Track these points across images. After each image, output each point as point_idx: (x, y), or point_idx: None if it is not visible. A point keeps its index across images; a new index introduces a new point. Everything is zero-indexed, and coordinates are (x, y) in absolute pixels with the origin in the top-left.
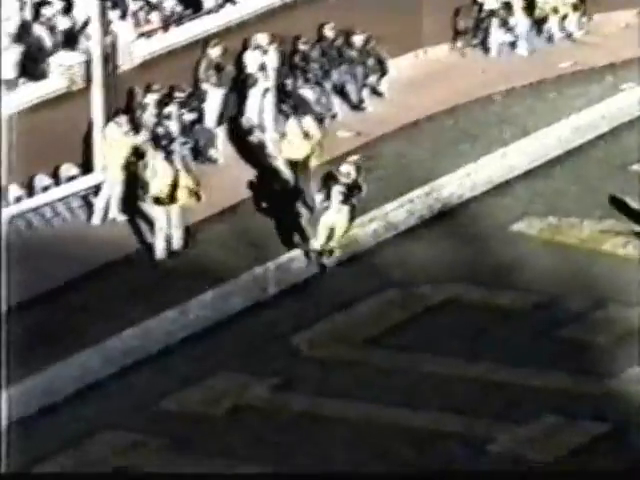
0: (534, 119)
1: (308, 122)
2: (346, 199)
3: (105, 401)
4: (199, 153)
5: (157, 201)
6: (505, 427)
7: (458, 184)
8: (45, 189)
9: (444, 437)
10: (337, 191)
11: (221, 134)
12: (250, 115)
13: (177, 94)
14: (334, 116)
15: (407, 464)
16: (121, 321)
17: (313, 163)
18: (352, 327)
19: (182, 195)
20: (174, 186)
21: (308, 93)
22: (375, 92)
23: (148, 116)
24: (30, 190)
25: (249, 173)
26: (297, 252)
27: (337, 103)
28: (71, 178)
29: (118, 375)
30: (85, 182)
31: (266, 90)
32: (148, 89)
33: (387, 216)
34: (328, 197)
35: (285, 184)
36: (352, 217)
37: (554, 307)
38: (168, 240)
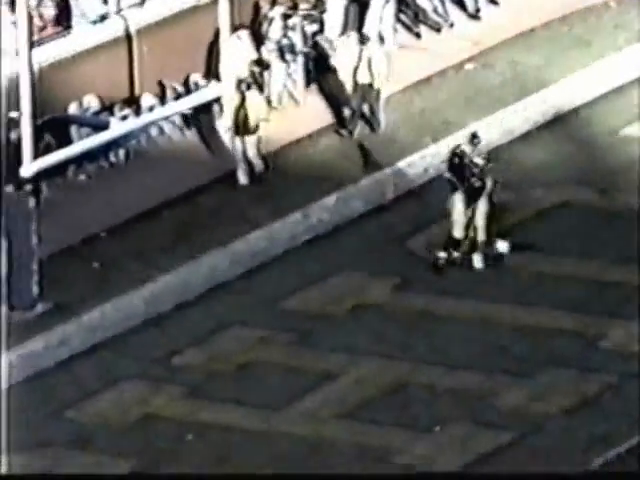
0: None
1: (373, 50)
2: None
3: (233, 299)
4: (320, 63)
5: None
6: (616, 324)
7: (572, 90)
8: (176, 98)
9: (557, 334)
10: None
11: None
12: (370, 26)
13: (302, 6)
14: (451, 25)
15: (521, 359)
16: (248, 224)
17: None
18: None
19: (253, 125)
20: (244, 116)
21: (425, 2)
22: (491, 0)
23: (275, 29)
24: (162, 99)
25: None
26: (414, 158)
27: (454, 12)
28: (200, 88)
29: (245, 275)
30: (213, 92)
31: (387, 0)
32: (274, 2)
33: (502, 122)
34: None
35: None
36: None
37: None
38: (250, 166)
